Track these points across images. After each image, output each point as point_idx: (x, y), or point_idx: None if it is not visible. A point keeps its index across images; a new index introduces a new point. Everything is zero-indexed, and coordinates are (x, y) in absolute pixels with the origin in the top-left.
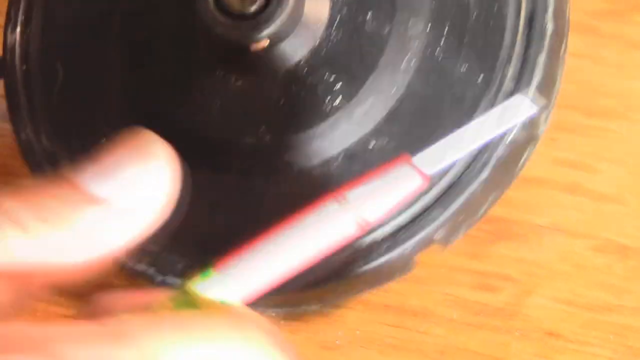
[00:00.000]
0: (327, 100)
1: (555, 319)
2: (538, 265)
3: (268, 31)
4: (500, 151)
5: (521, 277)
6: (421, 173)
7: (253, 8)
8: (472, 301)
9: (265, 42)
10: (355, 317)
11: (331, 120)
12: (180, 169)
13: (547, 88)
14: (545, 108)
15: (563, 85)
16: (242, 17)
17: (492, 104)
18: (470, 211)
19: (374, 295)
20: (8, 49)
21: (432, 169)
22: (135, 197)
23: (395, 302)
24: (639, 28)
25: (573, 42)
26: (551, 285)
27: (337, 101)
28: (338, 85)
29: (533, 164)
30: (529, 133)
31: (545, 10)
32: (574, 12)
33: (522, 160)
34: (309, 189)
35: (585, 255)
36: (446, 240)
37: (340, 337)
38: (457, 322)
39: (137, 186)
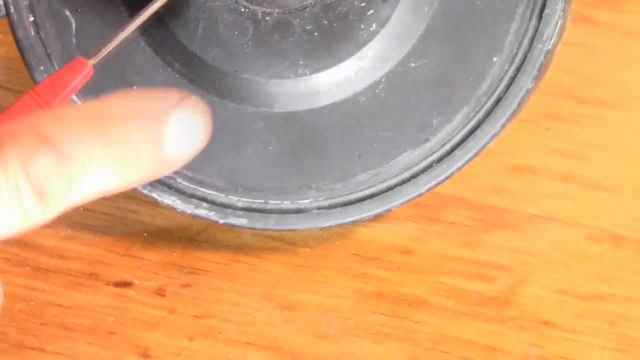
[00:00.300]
0: (362, 27)
1: (549, 308)
2: (532, 255)
3: None
4: (540, 61)
5: (515, 267)
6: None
7: None
8: (466, 290)
9: None
10: (349, 306)
11: (369, 46)
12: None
13: None
14: (570, 2)
15: (557, 74)
16: None
17: (530, 12)
18: (514, 117)
19: (367, 285)
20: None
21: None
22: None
23: (389, 291)
24: (633, 17)
25: (567, 31)
26: (545, 275)
27: (373, 27)
28: (370, 12)
29: (527, 153)
30: (561, 30)
31: None
32: None
33: (551, 61)
34: (357, 116)
35: (579, 244)
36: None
37: (334, 326)
38: (451, 312)
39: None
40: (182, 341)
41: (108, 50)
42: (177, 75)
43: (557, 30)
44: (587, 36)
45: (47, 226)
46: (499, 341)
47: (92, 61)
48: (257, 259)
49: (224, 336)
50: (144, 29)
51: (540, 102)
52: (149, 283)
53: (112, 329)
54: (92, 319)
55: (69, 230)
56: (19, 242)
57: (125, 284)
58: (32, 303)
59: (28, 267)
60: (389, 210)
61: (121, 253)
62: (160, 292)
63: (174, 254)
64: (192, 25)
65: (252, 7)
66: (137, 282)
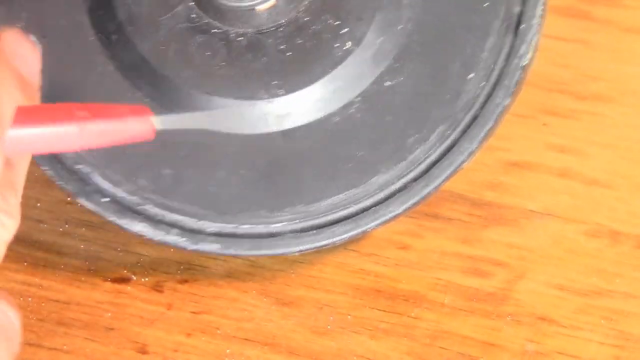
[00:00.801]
0: (336, 46)
1: (546, 304)
2: (529, 250)
3: None
4: (516, 77)
5: (513, 262)
6: (152, 128)
7: None
8: (464, 286)
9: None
10: (347, 302)
11: (344, 65)
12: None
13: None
14: (542, 24)
15: (555, 69)
16: None
17: (505, 28)
18: (491, 135)
19: (365, 280)
20: None
21: (162, 126)
22: None
23: (386, 287)
24: (632, 13)
25: (565, 26)
26: (543, 270)
27: (347, 45)
28: (344, 30)
29: (524, 148)
30: (534, 53)
31: None
32: None
33: (527, 77)
34: (331, 136)
35: (577, 240)
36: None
37: (332, 322)
38: (449, 307)
39: None
40: (180, 337)
41: (178, 123)
42: (147, 99)
43: (532, 45)
44: (586, 32)
45: (44, 222)
46: (497, 337)
47: (158, 125)
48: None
49: (221, 332)
50: (112, 52)
51: (538, 97)
52: (146, 279)
53: (110, 324)
54: (89, 314)
55: (67, 226)
56: (17, 238)
57: (123, 280)
58: (30, 299)
59: (26, 263)
60: (365, 232)
61: (119, 249)
62: (157, 288)
63: (172, 249)
64: (162, 47)
65: (225, 28)
66: (134, 278)
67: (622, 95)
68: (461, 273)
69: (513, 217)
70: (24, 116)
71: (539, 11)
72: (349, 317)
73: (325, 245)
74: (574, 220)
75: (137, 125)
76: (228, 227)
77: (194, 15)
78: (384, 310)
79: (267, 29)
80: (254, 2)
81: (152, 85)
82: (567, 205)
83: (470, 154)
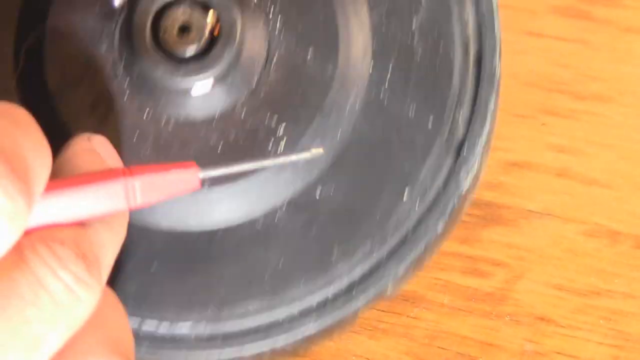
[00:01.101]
0: (269, 146)
1: (545, 304)
2: (528, 250)
3: (213, 73)
4: (453, 203)
5: (511, 262)
6: (199, 178)
7: (194, 49)
8: (463, 286)
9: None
10: None
11: (274, 167)
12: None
13: (491, 133)
14: (487, 150)
15: (554, 69)
16: (183, 59)
17: (446, 150)
18: (420, 263)
19: None
20: None
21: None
22: None
23: None
24: (631, 13)
25: (564, 26)
26: (541, 270)
27: (281, 146)
28: (281, 130)
29: (523, 148)
30: (474, 182)
31: (494, 50)
32: None
33: (465, 208)
34: (252, 241)
35: (576, 240)
36: (392, 293)
37: None
38: (448, 307)
39: None
40: None
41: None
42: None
43: (474, 171)
44: (585, 31)
45: None
46: (495, 337)
47: (202, 174)
48: None
49: None
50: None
51: (537, 97)
52: None
53: None
54: None
55: None
56: None
57: None
58: None
59: None
60: (274, 349)
61: None
62: None
63: None
64: (88, 122)
65: (156, 113)
66: None
67: (621, 95)
68: (460, 273)
69: (512, 217)
70: (64, 181)
71: (483, 138)
72: None
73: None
74: (573, 220)
75: (183, 177)
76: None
77: (125, 95)
78: (383, 310)
79: (200, 118)
80: (189, 83)
81: None
82: (566, 205)
83: (395, 279)
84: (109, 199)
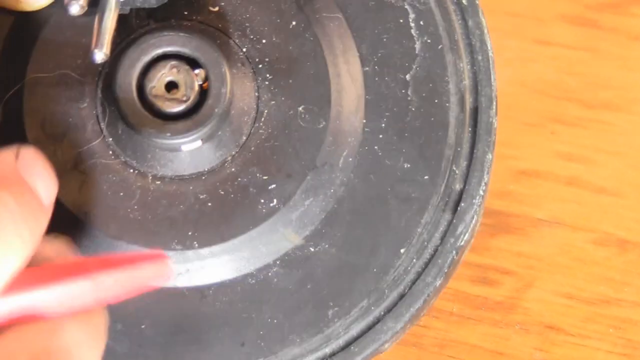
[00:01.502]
0: (261, 202)
1: (555, 313)
2: (538, 259)
3: (201, 131)
4: (451, 257)
5: (521, 271)
6: (170, 270)
7: (182, 108)
8: (472, 295)
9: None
10: None
11: (266, 224)
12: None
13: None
14: (483, 203)
15: (563, 78)
16: (170, 117)
17: (443, 205)
18: (418, 317)
19: None
20: None
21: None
22: None
23: None
24: (638, 20)
25: (573, 34)
26: (551, 279)
27: (273, 203)
28: (272, 186)
29: (532, 157)
30: (472, 234)
31: (491, 101)
32: (574, 5)
33: (463, 258)
34: (244, 299)
35: (585, 248)
36: (390, 347)
37: None
38: (457, 316)
39: None
40: None
41: None
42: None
43: (472, 225)
44: (593, 40)
45: None
46: (505, 345)
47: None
48: None
49: None
50: None
51: (545, 106)
52: None
53: None
54: None
55: None
56: None
57: None
58: None
59: None
60: None
61: None
62: None
63: None
64: (72, 182)
65: (142, 170)
66: None
67: (630, 103)
68: (469, 282)
69: (521, 226)
70: (30, 277)
71: (480, 191)
72: None
73: None
74: (582, 228)
75: (153, 270)
76: None
77: (110, 152)
78: None
79: (188, 174)
80: (177, 141)
81: (56, 221)
82: (575, 213)
83: (394, 334)
84: (76, 296)
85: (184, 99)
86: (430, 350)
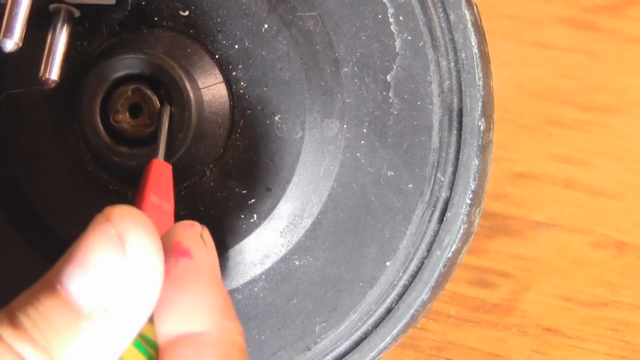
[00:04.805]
0: (241, 217)
1: (552, 315)
2: (535, 261)
3: (172, 152)
4: (438, 270)
5: (518, 273)
6: None
7: (148, 131)
8: (470, 297)
9: None
10: None
11: (248, 239)
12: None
13: (479, 190)
14: (478, 205)
15: (560, 80)
16: (139, 142)
17: (429, 214)
18: (406, 330)
19: None
20: None
21: None
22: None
23: None
24: (636, 23)
25: (570, 37)
26: (548, 281)
27: (253, 218)
28: (252, 201)
29: (529, 159)
30: (466, 236)
31: (476, 105)
32: (571, 8)
33: (456, 266)
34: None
35: (582, 251)
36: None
37: None
38: (454, 318)
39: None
40: None
41: None
42: (35, 254)
43: (459, 236)
44: (590, 42)
45: None
46: (502, 348)
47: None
48: None
49: None
50: (5, 210)
51: (542, 108)
52: None
53: None
54: None
55: None
56: None
57: None
58: None
59: None
60: None
61: None
62: None
63: None
64: (56, 203)
65: (121, 186)
66: None
67: (627, 106)
68: (466, 284)
69: (518, 228)
70: None
71: (467, 199)
72: None
73: None
74: (579, 231)
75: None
76: None
77: (90, 173)
78: None
79: None
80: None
81: (43, 239)
82: (573, 216)
83: (382, 350)
84: None
85: (149, 122)
86: (427, 352)
